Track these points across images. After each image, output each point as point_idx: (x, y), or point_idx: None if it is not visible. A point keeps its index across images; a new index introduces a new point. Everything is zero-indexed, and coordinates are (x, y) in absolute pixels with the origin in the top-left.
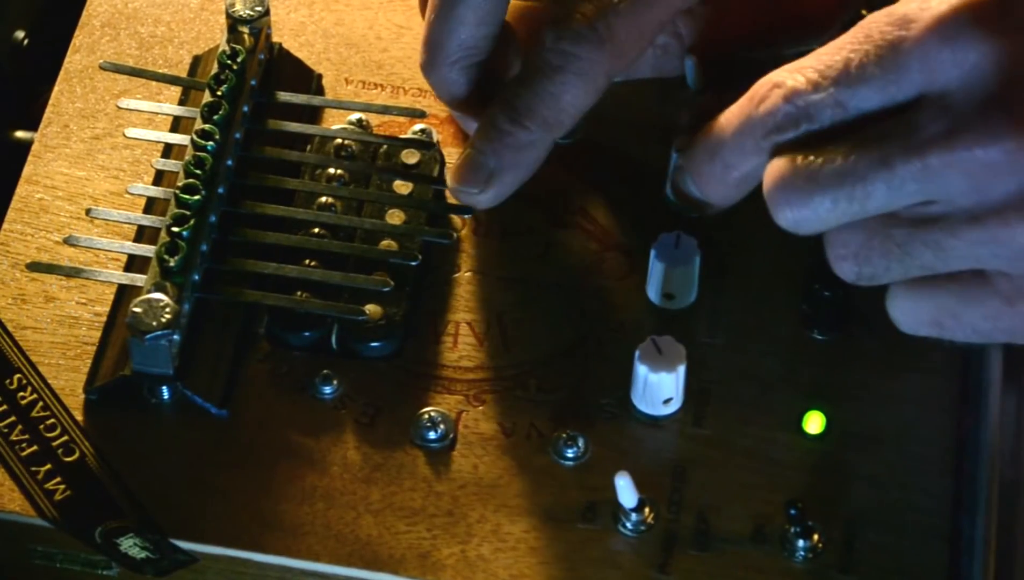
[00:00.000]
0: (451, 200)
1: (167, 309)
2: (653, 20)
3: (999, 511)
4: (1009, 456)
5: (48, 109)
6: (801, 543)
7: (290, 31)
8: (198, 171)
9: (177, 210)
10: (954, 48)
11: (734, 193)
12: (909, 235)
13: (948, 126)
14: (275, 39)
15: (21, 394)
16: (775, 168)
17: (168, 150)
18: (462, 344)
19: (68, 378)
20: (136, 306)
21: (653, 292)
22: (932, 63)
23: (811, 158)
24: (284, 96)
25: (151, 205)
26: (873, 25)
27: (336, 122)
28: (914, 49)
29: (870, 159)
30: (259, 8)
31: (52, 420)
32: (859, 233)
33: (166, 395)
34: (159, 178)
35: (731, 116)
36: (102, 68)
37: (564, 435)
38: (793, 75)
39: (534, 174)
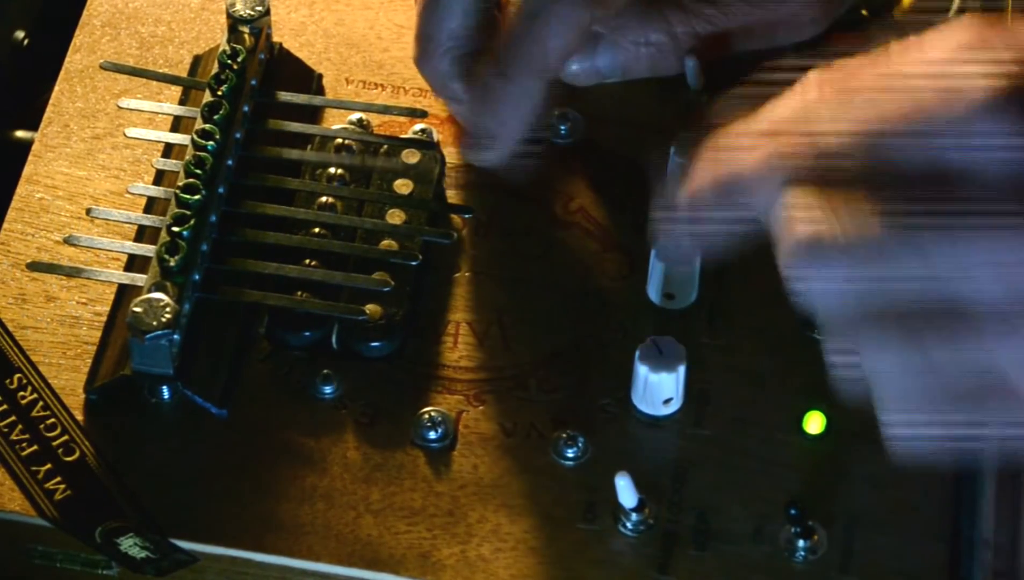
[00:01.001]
0: (452, 200)
1: (167, 309)
2: None
3: (999, 511)
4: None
5: (48, 109)
6: (801, 543)
7: (291, 31)
8: (198, 171)
9: (177, 210)
10: (1001, 125)
11: (727, 239)
12: (924, 327)
13: (986, 208)
14: (276, 39)
15: (21, 394)
16: (796, 232)
17: (168, 150)
18: (462, 344)
19: (68, 378)
20: (136, 306)
21: (653, 292)
22: (975, 138)
23: (838, 228)
24: (284, 96)
25: (151, 205)
26: (910, 81)
27: (336, 122)
28: (960, 123)
29: (900, 237)
30: (259, 8)
31: (52, 420)
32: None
33: (166, 395)
34: (159, 178)
35: (746, 153)
36: (102, 68)
37: (564, 435)
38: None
39: (536, 172)
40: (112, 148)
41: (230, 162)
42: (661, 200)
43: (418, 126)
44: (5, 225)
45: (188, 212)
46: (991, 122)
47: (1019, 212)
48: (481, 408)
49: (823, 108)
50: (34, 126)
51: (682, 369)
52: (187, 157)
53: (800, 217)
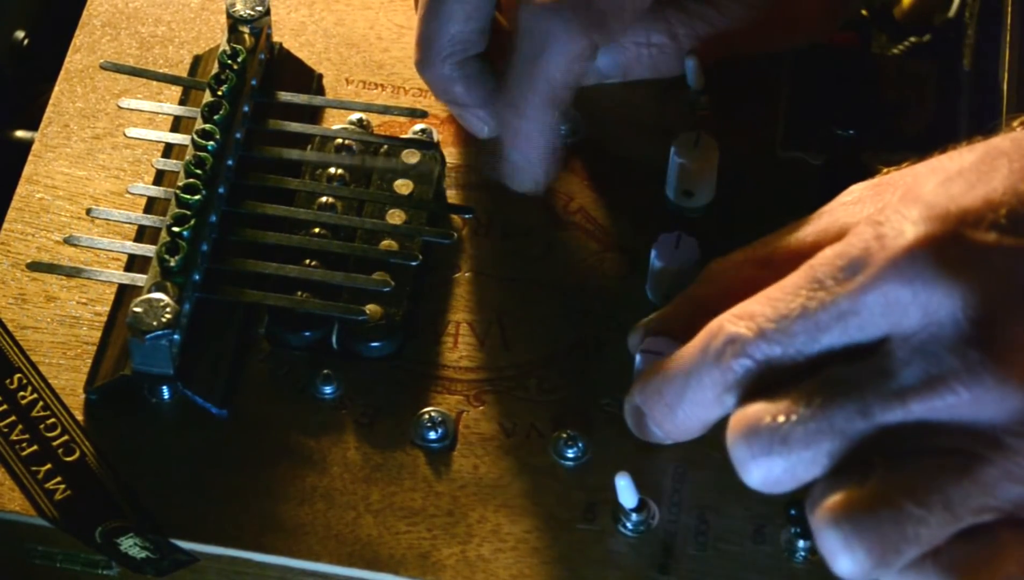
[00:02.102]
0: (451, 200)
1: (167, 309)
2: None
3: None
4: None
5: (49, 109)
6: (801, 543)
7: (291, 31)
8: (199, 171)
9: (178, 210)
10: (916, 290)
11: (699, 432)
12: (921, 496)
13: (926, 370)
14: (276, 39)
15: (21, 394)
16: (740, 428)
17: (169, 150)
18: (462, 344)
19: (68, 378)
20: (136, 306)
21: (653, 292)
22: (895, 306)
23: (780, 417)
24: (285, 96)
25: (152, 205)
26: (825, 269)
27: (337, 122)
28: (869, 297)
29: (846, 411)
30: (260, 8)
31: (52, 420)
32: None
33: (166, 395)
34: (159, 178)
35: (684, 364)
36: (103, 68)
37: (564, 435)
38: (747, 324)
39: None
40: (112, 148)
41: (230, 162)
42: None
43: (418, 126)
44: (5, 225)
45: (188, 212)
46: (903, 287)
47: (963, 365)
48: (481, 408)
49: (743, 310)
50: (34, 126)
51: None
52: (187, 157)
53: (747, 421)
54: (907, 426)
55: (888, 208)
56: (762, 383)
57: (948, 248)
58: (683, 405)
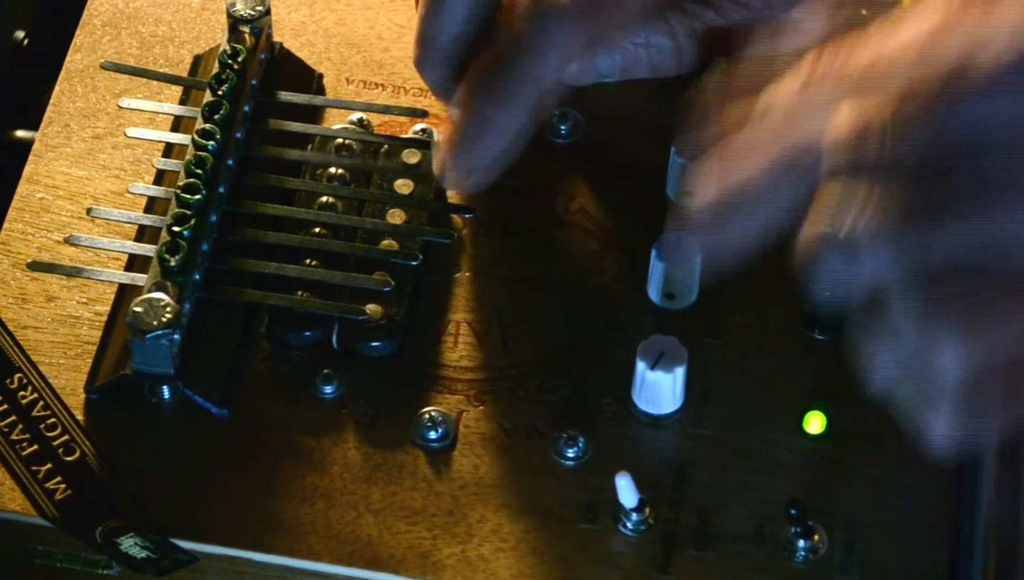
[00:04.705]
0: (452, 200)
1: (168, 308)
2: None
3: (999, 511)
4: (1009, 454)
5: (49, 108)
6: (802, 543)
7: (291, 31)
8: (199, 171)
9: (178, 210)
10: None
11: (740, 250)
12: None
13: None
14: (276, 39)
15: (22, 393)
16: (830, 221)
17: (169, 150)
18: (463, 344)
19: (69, 377)
20: (137, 305)
21: (654, 292)
22: (998, 101)
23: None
24: (285, 96)
25: (152, 204)
26: (917, 53)
27: (337, 122)
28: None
29: (939, 213)
30: (260, 8)
31: (53, 419)
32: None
33: (167, 395)
34: (160, 178)
35: (754, 162)
36: (103, 67)
37: (564, 435)
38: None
39: (531, 169)
40: (113, 148)
41: (230, 162)
42: (675, 207)
43: (418, 126)
44: (5, 225)
45: (189, 212)
46: (1018, 79)
47: None
48: (481, 408)
49: (824, 93)
50: (34, 126)
51: (682, 369)
52: (187, 157)
53: (831, 212)
54: None
55: None
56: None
57: None
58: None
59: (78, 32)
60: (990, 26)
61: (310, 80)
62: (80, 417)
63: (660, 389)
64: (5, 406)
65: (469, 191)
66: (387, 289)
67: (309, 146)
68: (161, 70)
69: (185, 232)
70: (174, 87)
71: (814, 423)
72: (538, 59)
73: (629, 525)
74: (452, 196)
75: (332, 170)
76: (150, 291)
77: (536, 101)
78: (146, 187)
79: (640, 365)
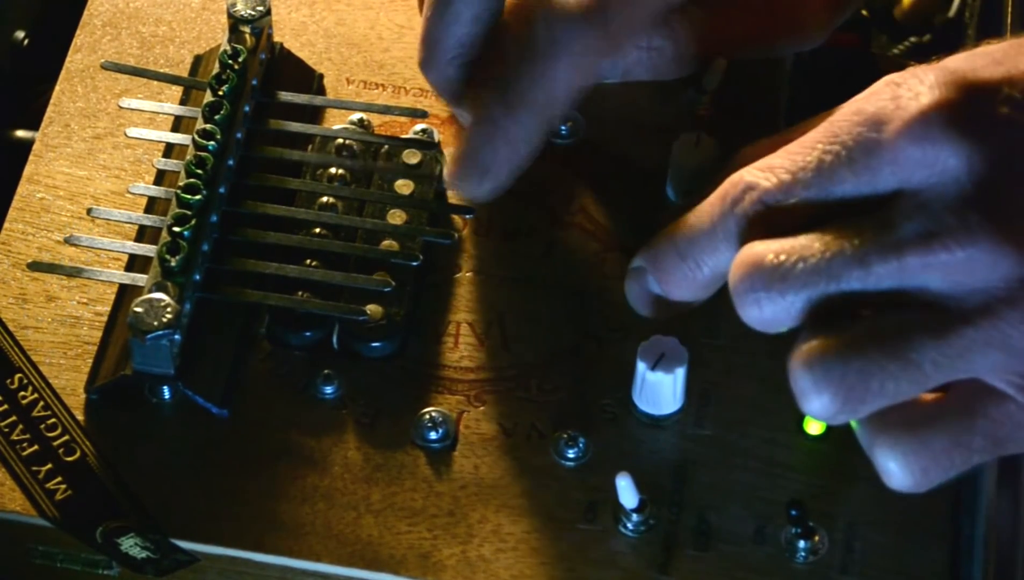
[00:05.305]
0: (452, 200)
1: (168, 309)
2: (648, 6)
3: (999, 511)
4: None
5: (49, 108)
6: (802, 544)
7: (291, 31)
8: (199, 171)
9: (178, 210)
10: (925, 150)
11: (703, 293)
12: (892, 349)
13: (925, 226)
14: (276, 39)
15: (22, 394)
16: (744, 263)
17: (169, 150)
18: (463, 344)
19: (69, 378)
20: (137, 306)
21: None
22: (905, 164)
23: (783, 256)
24: (285, 96)
25: (152, 205)
26: (843, 124)
27: (337, 122)
28: (886, 153)
29: (844, 257)
30: (260, 8)
31: (53, 420)
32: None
33: (167, 395)
34: (160, 178)
35: (702, 214)
36: (103, 67)
37: (565, 435)
38: (766, 175)
39: (531, 169)
40: (113, 148)
41: (231, 162)
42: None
43: (419, 126)
44: (6, 225)
45: (189, 212)
46: (917, 147)
47: (961, 225)
48: (482, 408)
49: (763, 163)
50: (35, 126)
51: (682, 369)
52: (188, 157)
53: (750, 259)
54: (901, 285)
55: (908, 72)
56: (773, 231)
57: (960, 112)
58: (694, 251)
59: (78, 32)
60: None
61: (310, 80)
62: (80, 417)
63: (660, 390)
64: (5, 406)
65: (482, 200)
66: (387, 289)
67: (309, 146)
68: (161, 70)
69: (185, 232)
70: (174, 87)
71: (814, 423)
72: (549, 68)
73: (629, 526)
74: (452, 196)
75: (332, 170)
76: (150, 291)
77: (547, 109)
78: (146, 187)
79: (640, 366)
